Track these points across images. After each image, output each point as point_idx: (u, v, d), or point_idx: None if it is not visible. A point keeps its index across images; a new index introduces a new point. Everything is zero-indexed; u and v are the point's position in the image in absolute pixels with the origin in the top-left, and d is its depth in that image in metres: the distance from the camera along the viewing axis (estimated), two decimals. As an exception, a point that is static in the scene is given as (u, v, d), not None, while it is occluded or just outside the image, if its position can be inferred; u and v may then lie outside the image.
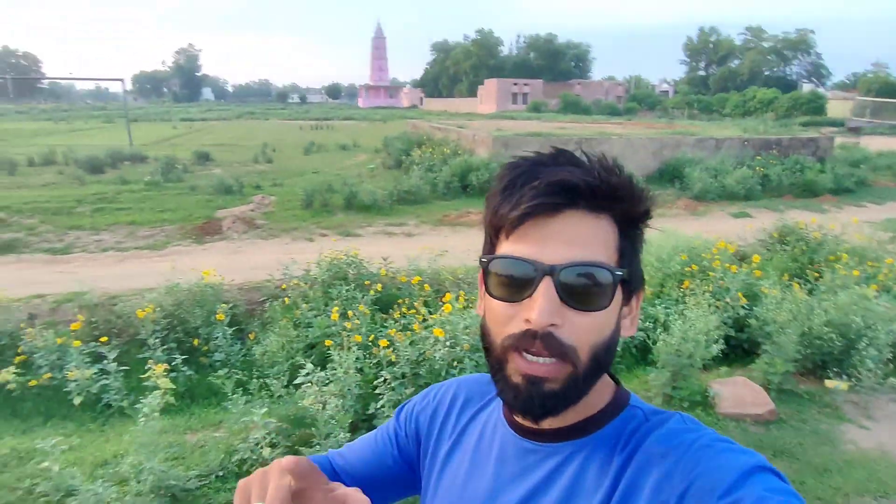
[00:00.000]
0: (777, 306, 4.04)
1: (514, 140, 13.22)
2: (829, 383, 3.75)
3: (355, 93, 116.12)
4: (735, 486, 0.51)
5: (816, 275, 5.06)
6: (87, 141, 21.39)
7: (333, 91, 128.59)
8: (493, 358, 0.63)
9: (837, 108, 41.00)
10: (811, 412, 3.52)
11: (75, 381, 4.04)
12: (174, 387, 3.91)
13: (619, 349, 3.91)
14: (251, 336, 4.66)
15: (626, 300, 0.63)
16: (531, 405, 0.60)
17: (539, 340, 0.57)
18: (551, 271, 0.56)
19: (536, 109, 41.84)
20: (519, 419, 0.68)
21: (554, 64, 73.57)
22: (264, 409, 2.95)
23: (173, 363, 4.20)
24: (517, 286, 0.59)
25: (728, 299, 4.55)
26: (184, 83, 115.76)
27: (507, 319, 0.60)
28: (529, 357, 0.58)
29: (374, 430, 0.88)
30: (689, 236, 5.95)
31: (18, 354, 4.37)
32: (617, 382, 0.69)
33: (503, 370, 0.61)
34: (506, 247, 0.60)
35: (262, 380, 3.53)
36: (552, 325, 0.57)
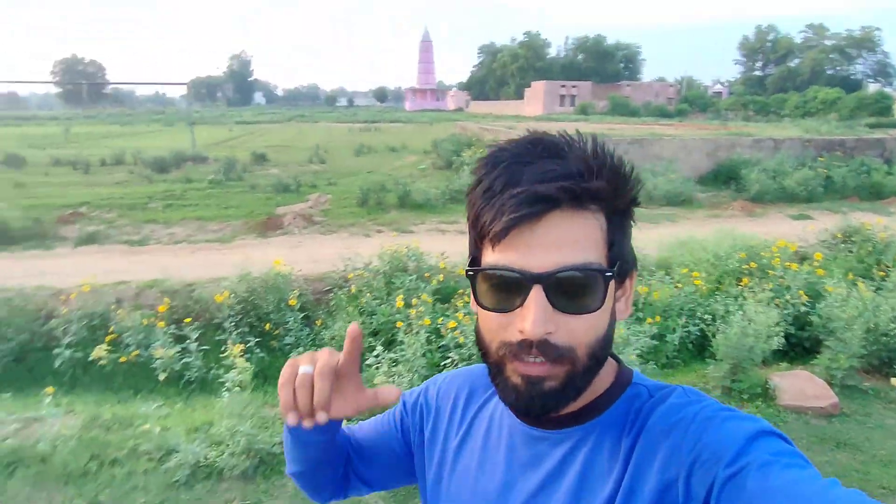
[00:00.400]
0: (842, 303, 4.00)
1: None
2: (895, 381, 3.70)
3: (402, 96, 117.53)
4: (741, 453, 0.52)
5: (882, 274, 4.95)
6: (150, 143, 22.51)
7: (380, 94, 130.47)
8: (491, 362, 0.62)
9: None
10: (876, 407, 3.49)
11: (160, 358, 4.40)
12: (249, 366, 4.21)
13: (675, 344, 3.99)
14: (318, 322, 4.92)
15: (619, 284, 0.63)
16: (532, 405, 0.60)
17: (535, 348, 0.57)
18: (540, 279, 0.55)
19: (584, 112, 41.44)
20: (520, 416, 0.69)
21: (602, 66, 72.60)
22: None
23: (247, 345, 4.51)
24: (507, 296, 0.58)
25: (788, 297, 4.52)
26: (236, 87, 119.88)
27: (500, 328, 0.59)
28: (527, 359, 0.58)
29: (382, 414, 0.89)
30: (746, 235, 5.90)
31: (109, 334, 4.76)
32: (618, 361, 0.68)
33: (502, 373, 0.61)
34: (491, 257, 0.59)
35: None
36: (547, 333, 0.56)
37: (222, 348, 4.21)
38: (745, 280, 4.76)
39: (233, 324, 4.76)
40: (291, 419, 0.64)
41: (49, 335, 4.82)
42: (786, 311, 4.39)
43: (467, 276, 0.62)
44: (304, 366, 0.63)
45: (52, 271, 6.46)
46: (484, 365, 0.75)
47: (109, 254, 7.39)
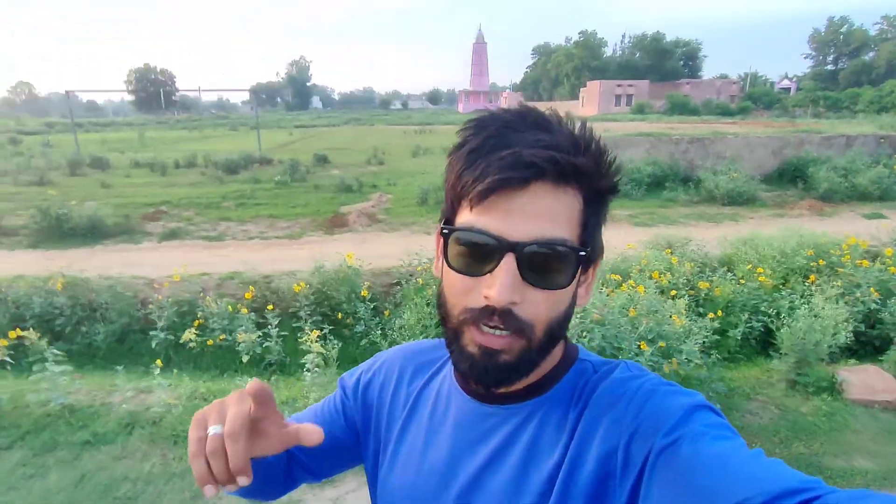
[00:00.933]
0: (914, 300, 3.94)
1: (623, 140, 13.13)
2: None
3: (455, 98, 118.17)
4: (677, 424, 0.54)
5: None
6: (218, 146, 23.67)
7: (434, 97, 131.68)
8: (449, 328, 0.62)
9: None
10: (949, 405, 3.43)
11: (243, 342, 4.78)
12: (324, 351, 4.53)
13: (738, 339, 4.03)
14: (386, 313, 5.20)
15: (584, 271, 0.63)
16: (485, 375, 0.60)
17: (498, 316, 0.57)
18: (514, 247, 0.56)
19: (641, 111, 40.58)
20: (474, 384, 0.68)
21: (661, 63, 70.72)
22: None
23: (322, 333, 4.84)
24: (478, 260, 0.58)
25: (859, 294, 4.46)
26: (295, 92, 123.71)
27: (465, 292, 0.59)
28: (485, 329, 0.58)
29: (321, 402, 0.88)
30: (814, 233, 5.80)
31: (196, 319, 5.20)
32: (565, 339, 0.69)
33: (459, 340, 0.61)
34: (468, 217, 0.58)
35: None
36: (512, 302, 0.56)
37: (298, 335, 4.55)
38: (813, 277, 4.71)
39: (308, 312, 5.10)
40: (209, 492, 0.57)
41: (145, 319, 5.30)
42: (855, 309, 4.34)
43: (441, 234, 0.61)
44: (213, 426, 0.57)
45: (141, 263, 7.05)
46: (428, 341, 0.83)
47: (191, 248, 7.96)
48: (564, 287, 0.59)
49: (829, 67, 70.54)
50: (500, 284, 0.55)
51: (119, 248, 8.05)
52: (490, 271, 0.57)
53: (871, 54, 65.61)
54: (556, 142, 0.57)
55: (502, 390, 0.65)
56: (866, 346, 4.41)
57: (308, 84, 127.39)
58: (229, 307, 5.16)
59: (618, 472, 0.56)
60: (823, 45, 71.94)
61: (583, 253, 0.58)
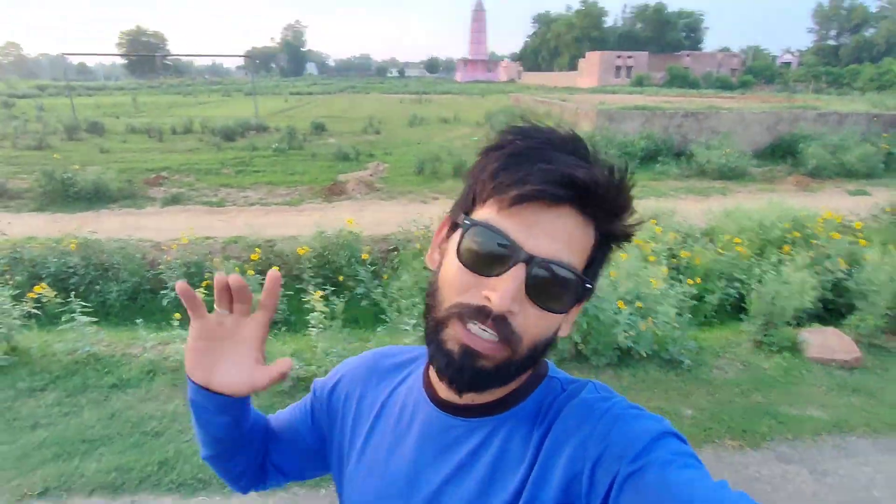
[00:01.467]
0: (875, 269, 4.24)
1: (619, 113, 13.29)
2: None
3: (453, 67, 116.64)
4: (643, 451, 0.54)
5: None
6: (213, 112, 23.62)
7: (432, 66, 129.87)
8: (433, 318, 0.61)
9: None
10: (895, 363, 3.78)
11: (250, 302, 5.06)
12: (327, 310, 4.82)
13: (714, 304, 4.34)
14: (384, 277, 5.49)
15: (577, 303, 0.62)
16: (460, 376, 0.59)
17: (492, 320, 0.56)
18: (529, 260, 0.56)
19: (640, 83, 40.42)
20: (441, 394, 0.68)
21: (662, 35, 69.93)
22: (413, 321, 3.71)
23: (325, 294, 5.12)
24: (490, 261, 0.57)
25: (828, 265, 4.76)
26: (290, 58, 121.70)
27: (465, 288, 0.58)
28: (473, 328, 0.57)
29: (299, 401, 0.88)
30: (794, 207, 6.08)
31: (204, 279, 5.46)
32: None
33: (440, 334, 0.60)
34: (492, 217, 0.58)
35: (398, 310, 4.33)
36: (510, 311, 0.56)
37: (301, 296, 4.84)
38: (787, 248, 5.01)
39: (311, 275, 5.38)
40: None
41: (155, 279, 5.57)
42: (824, 278, 4.64)
43: (458, 225, 0.61)
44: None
45: (146, 227, 7.29)
46: (395, 347, 0.84)
47: (193, 213, 8.19)
48: (560, 313, 0.59)
49: (832, 43, 69.98)
50: (505, 290, 0.55)
51: (124, 213, 8.27)
52: (498, 274, 0.56)
53: (871, 31, 65.05)
54: (594, 175, 0.56)
55: (467, 401, 0.65)
56: (833, 313, 4.72)
57: (303, 50, 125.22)
58: (236, 269, 5.42)
59: (582, 496, 0.56)
60: (826, 20, 71.23)
61: (588, 286, 0.59)
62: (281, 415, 0.88)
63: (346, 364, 0.85)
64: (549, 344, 0.62)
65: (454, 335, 0.58)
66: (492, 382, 0.61)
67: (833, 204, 7.98)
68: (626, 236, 0.62)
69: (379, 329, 4.31)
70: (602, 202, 0.57)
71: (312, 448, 0.83)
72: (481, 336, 0.57)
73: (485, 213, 0.59)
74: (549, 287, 0.57)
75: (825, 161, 11.21)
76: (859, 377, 3.58)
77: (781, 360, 3.74)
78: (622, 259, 4.09)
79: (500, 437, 0.64)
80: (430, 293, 0.63)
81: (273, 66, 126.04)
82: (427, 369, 0.73)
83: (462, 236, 0.59)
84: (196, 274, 5.68)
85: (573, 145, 0.59)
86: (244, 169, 11.19)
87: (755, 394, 3.41)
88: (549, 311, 0.58)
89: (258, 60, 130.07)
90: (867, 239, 5.27)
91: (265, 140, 14.64)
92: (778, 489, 2.75)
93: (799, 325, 4.31)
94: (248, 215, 7.98)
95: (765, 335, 3.98)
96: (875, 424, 3.09)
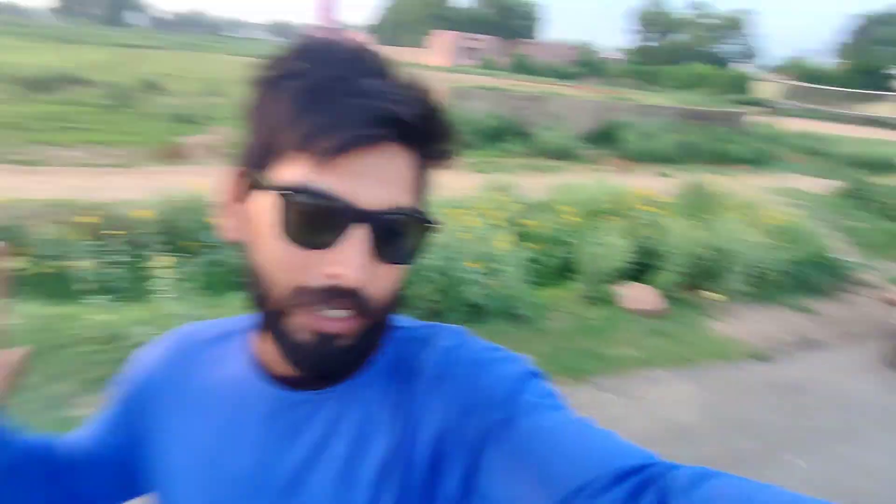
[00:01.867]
0: (675, 236, 5.13)
1: (472, 92, 13.91)
2: (705, 294, 4.91)
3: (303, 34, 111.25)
4: (509, 397, 0.52)
5: (711, 217, 6.22)
6: (14, 58, 20.20)
7: (279, 29, 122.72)
8: (269, 309, 0.52)
9: (770, 89, 44.19)
10: (691, 313, 4.67)
11: (84, 269, 4.61)
12: (174, 276, 4.58)
13: (550, 267, 4.93)
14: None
15: None
16: (321, 364, 0.51)
17: (347, 299, 0.48)
18: (367, 218, 0.47)
19: (489, 66, 42.29)
20: (278, 368, 0.57)
21: (507, 21, 73.40)
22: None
23: (172, 260, 4.84)
24: (321, 230, 0.47)
25: (640, 231, 5.62)
26: (107, 3, 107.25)
27: (297, 267, 0.49)
28: (326, 310, 0.49)
29: (95, 415, 0.73)
30: (615, 185, 7.00)
31: (28, 246, 4.85)
32: None
33: (281, 326, 0.51)
34: (307, 175, 0.47)
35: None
36: (363, 281, 0.48)
37: (143, 262, 4.53)
38: (609, 218, 5.80)
39: (155, 241, 5.03)
40: None
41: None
42: (636, 243, 5.48)
43: (271, 189, 0.48)
44: None
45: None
46: (201, 322, 0.68)
47: (7, 173, 7.08)
48: (411, 262, 0.53)
49: (653, 44, 79.05)
50: (351, 260, 0.47)
51: None
52: (335, 244, 0.47)
53: (683, 36, 74.81)
54: (407, 97, 0.48)
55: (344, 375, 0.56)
56: (645, 272, 5.61)
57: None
58: (70, 234, 4.88)
59: (452, 451, 0.52)
60: (648, 23, 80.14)
61: (431, 224, 0.53)
62: (76, 434, 0.72)
63: (145, 352, 0.68)
64: (401, 295, 0.56)
65: (302, 324, 0.50)
66: (360, 356, 0.54)
67: (645, 183, 9.30)
68: (448, 158, 0.54)
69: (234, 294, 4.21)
70: (422, 129, 0.50)
71: (118, 466, 0.68)
72: (336, 317, 0.49)
73: (295, 170, 0.47)
74: (395, 240, 0.50)
75: (640, 146, 12.90)
76: (664, 324, 4.39)
77: (602, 311, 4.42)
78: (473, 225, 4.47)
79: (357, 405, 0.56)
80: (253, 280, 0.52)
81: (80, 11, 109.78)
82: (254, 344, 0.61)
83: (279, 207, 0.48)
84: (11, 240, 5.00)
85: (381, 67, 0.50)
86: (65, 125, 9.85)
87: (581, 338, 4.01)
88: (401, 264, 0.52)
89: (66, 4, 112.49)
90: (670, 212, 6.29)
91: (87, 95, 12.94)
92: (597, 415, 3.31)
93: (616, 281, 5.07)
94: (78, 177, 7.09)
95: (589, 291, 4.64)
96: (675, 360, 3.86)
